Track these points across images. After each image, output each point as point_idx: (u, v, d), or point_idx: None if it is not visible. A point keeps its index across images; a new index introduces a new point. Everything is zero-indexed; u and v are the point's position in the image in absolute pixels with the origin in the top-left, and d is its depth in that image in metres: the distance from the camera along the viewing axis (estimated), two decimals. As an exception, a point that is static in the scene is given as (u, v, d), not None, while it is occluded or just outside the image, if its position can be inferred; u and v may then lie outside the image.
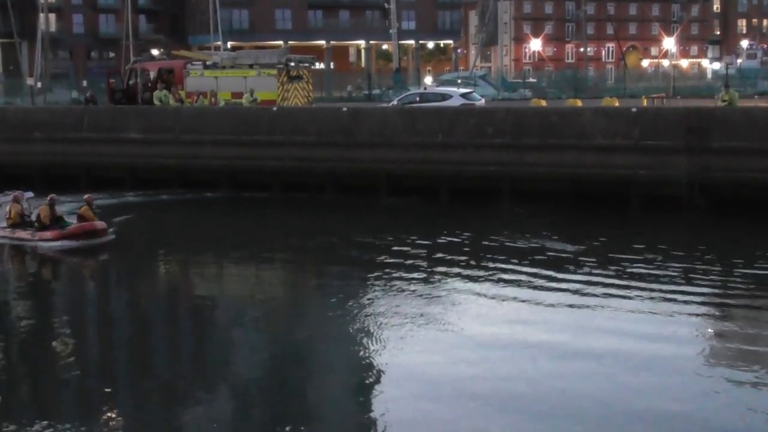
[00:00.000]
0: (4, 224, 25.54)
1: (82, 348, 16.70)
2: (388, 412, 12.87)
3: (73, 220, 25.02)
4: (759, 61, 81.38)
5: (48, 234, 24.40)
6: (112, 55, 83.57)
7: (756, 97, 48.65)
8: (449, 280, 20.28)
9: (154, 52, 63.20)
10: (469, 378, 14.01)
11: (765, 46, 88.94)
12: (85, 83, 63.02)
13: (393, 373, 14.47)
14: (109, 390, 14.42)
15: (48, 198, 25.16)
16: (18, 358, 16.20)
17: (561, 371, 14.21)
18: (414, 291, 19.31)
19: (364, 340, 16.24)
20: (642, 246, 22.89)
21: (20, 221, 25.27)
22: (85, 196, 25.06)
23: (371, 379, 14.34)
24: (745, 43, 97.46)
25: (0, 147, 37.01)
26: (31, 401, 13.88)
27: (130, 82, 42.64)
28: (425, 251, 23.25)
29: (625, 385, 13.59)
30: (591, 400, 13.09)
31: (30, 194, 26.87)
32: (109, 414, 13.20)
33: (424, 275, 20.73)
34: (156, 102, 38.29)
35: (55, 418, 12.82)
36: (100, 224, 24.44)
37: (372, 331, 16.71)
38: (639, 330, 16.27)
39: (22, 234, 25.00)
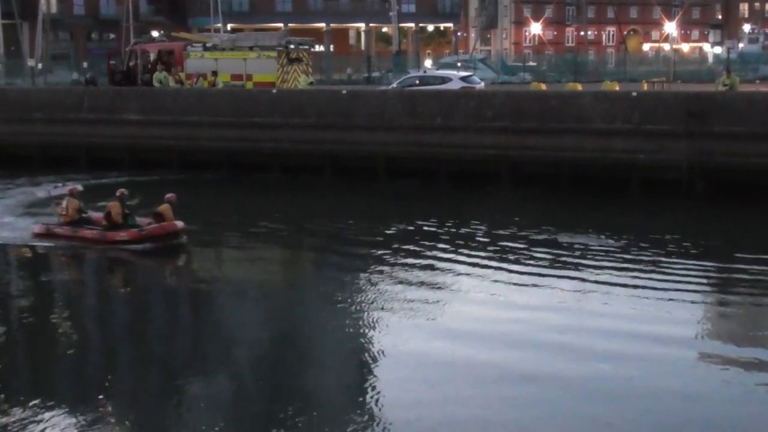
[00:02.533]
0: (56, 221, 22.96)
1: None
2: (387, 396, 12.89)
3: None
4: (761, 45, 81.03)
5: (122, 234, 21.76)
6: (112, 36, 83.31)
7: (757, 81, 48.70)
8: (447, 264, 20.24)
9: (154, 33, 63.05)
10: (467, 361, 14.04)
11: (767, 30, 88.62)
12: (85, 64, 62.97)
13: (392, 357, 14.47)
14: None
15: (117, 193, 22.43)
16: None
17: (561, 356, 14.21)
18: (412, 275, 19.27)
19: (362, 322, 16.30)
20: (641, 230, 22.94)
21: (78, 219, 22.71)
22: (168, 195, 22.10)
23: (369, 362, 14.39)
24: (747, 28, 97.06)
25: (1, 127, 37.04)
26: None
27: (130, 64, 42.57)
28: (424, 235, 23.25)
29: (628, 369, 13.51)
30: (592, 384, 13.10)
31: (80, 188, 23.91)
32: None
33: (423, 260, 20.61)
34: (156, 83, 38.25)
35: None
36: (180, 225, 21.88)
37: (370, 313, 16.76)
38: (637, 314, 16.30)
39: (87, 233, 22.27)
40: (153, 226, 21.71)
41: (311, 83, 38.48)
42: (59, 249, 22.22)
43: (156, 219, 21.89)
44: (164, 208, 21.86)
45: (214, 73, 38.07)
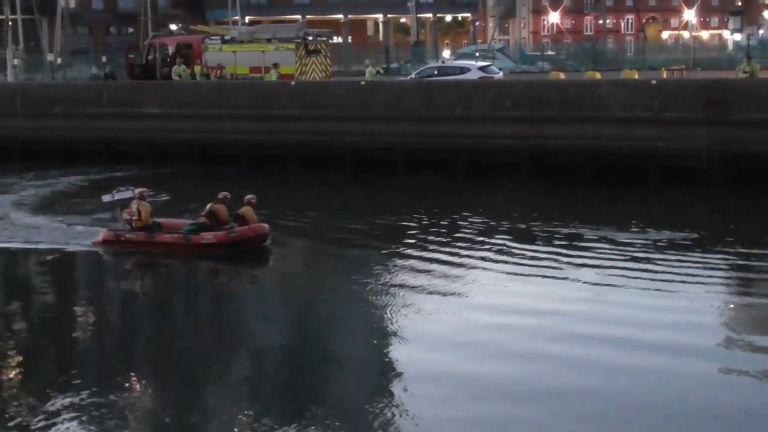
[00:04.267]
0: (121, 227, 21.53)
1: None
2: (401, 407, 12.51)
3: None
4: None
5: (209, 237, 20.37)
6: (131, 30, 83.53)
7: (777, 68, 48.23)
8: (466, 257, 20.14)
9: (172, 27, 63.22)
10: (485, 373, 13.70)
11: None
12: (104, 59, 63.17)
13: (409, 366, 14.08)
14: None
15: (220, 195, 20.97)
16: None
17: (582, 352, 14.08)
18: (432, 269, 19.13)
19: (380, 316, 16.37)
20: (661, 221, 22.80)
21: (152, 223, 21.34)
22: (248, 197, 20.87)
23: (386, 369, 14.31)
24: (767, 14, 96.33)
25: (21, 122, 37.34)
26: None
27: (149, 58, 42.75)
28: (443, 228, 23.20)
29: (654, 371, 13.12)
30: (611, 389, 12.70)
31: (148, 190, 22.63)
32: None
33: (443, 254, 20.45)
34: (175, 77, 38.39)
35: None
36: (267, 227, 20.98)
37: (389, 308, 16.78)
38: (658, 307, 16.18)
39: (167, 238, 20.82)
40: (242, 228, 20.41)
41: (378, 72, 38.44)
42: (133, 256, 20.97)
43: (238, 222, 20.56)
44: (246, 210, 20.63)
45: (221, 67, 38.39)
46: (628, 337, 14.52)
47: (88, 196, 27.30)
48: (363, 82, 35.50)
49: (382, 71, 37.23)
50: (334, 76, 44.48)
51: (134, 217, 21.11)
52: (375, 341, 15.24)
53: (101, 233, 21.59)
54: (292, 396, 12.76)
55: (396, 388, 12.98)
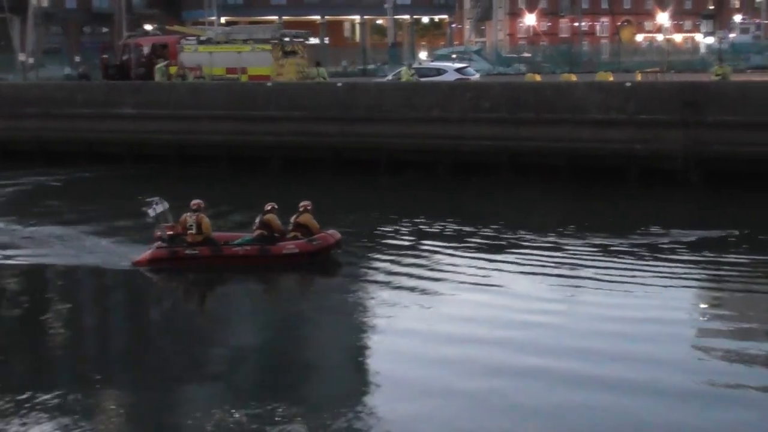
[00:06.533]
0: (161, 242, 19.56)
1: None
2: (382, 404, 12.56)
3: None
4: (752, 35, 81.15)
5: (291, 247, 19.27)
6: (105, 30, 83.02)
7: (749, 71, 48.71)
8: (446, 257, 20.20)
9: (148, 27, 62.91)
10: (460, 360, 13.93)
11: (758, 20, 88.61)
12: (78, 59, 62.76)
13: (387, 357, 14.29)
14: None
15: (268, 206, 19.75)
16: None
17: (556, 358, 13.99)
18: (411, 271, 19.11)
19: (359, 319, 16.45)
20: (638, 220, 23.01)
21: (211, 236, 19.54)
22: (304, 203, 19.73)
23: (363, 359, 14.46)
24: (738, 18, 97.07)
25: (-5, 123, 37.05)
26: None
27: (124, 58, 42.54)
28: (422, 229, 23.25)
29: (626, 377, 12.97)
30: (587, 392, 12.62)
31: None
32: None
33: (423, 256, 20.47)
34: (158, 75, 38.16)
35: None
36: (340, 235, 20.03)
37: (369, 310, 16.87)
38: (632, 306, 16.27)
39: (238, 250, 19.41)
40: (321, 235, 19.36)
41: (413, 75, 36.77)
42: (196, 274, 19.27)
43: (299, 230, 19.43)
44: (306, 217, 19.52)
45: (199, 67, 38.22)
46: (603, 350, 14.15)
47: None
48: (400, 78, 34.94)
49: (412, 74, 36.14)
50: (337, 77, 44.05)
51: (190, 231, 19.20)
52: (348, 352, 15.00)
53: (148, 251, 19.59)
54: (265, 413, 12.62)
55: (368, 403, 12.56)
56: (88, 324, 17.72)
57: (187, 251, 19.24)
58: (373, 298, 17.58)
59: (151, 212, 19.52)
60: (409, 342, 14.85)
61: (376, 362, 14.17)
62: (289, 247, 19.27)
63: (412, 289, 17.71)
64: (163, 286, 19.63)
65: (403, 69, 37.19)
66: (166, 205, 19.75)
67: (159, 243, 19.51)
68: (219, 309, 18.37)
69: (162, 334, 16.82)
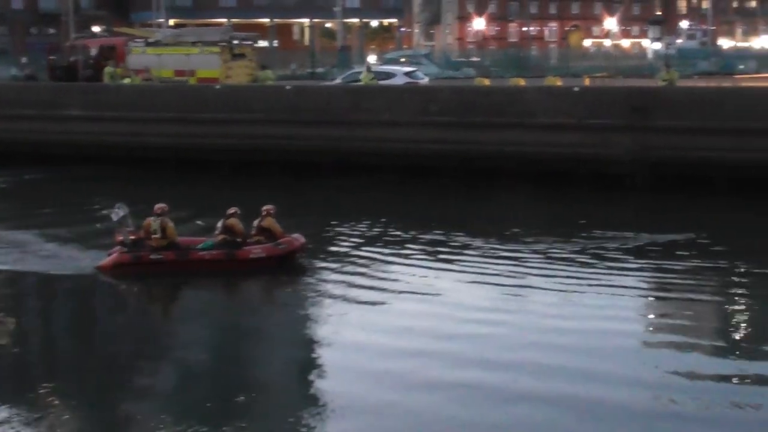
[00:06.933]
0: (123, 247, 19.15)
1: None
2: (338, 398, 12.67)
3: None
4: (698, 41, 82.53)
5: (257, 251, 19.06)
6: (52, 31, 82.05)
7: (695, 77, 49.48)
8: (392, 266, 19.95)
9: (96, 29, 62.22)
10: (415, 363, 13.91)
11: (704, 27, 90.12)
12: (24, 59, 61.85)
13: (341, 361, 14.28)
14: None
15: (230, 210, 19.34)
16: None
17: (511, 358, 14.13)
18: (361, 275, 19.03)
19: (312, 325, 16.34)
20: (585, 224, 23.15)
21: (175, 241, 19.27)
22: (267, 207, 19.49)
23: (319, 363, 14.35)
24: (685, 24, 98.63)
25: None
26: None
27: (72, 59, 42.06)
28: (373, 233, 23.14)
29: (568, 392, 12.73)
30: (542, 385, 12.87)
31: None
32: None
33: (372, 260, 20.35)
34: (107, 78, 37.72)
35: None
36: (304, 239, 19.93)
37: (321, 313, 16.82)
38: (577, 316, 16.15)
39: (204, 255, 19.10)
40: (286, 239, 19.19)
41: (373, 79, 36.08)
42: (161, 279, 18.91)
43: (263, 234, 19.22)
44: (270, 221, 19.27)
45: (147, 69, 37.92)
46: (545, 363, 13.84)
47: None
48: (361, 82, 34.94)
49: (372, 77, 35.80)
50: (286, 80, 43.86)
51: (155, 236, 18.90)
52: (289, 368, 14.65)
53: (110, 255, 19.16)
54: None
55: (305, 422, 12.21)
56: (41, 332, 17.27)
57: (152, 256, 18.94)
58: (324, 308, 17.27)
59: (114, 216, 19.22)
60: (351, 356, 14.55)
61: (316, 379, 13.81)
62: (256, 251, 19.04)
63: (360, 302, 17.36)
64: (126, 292, 19.16)
65: (363, 72, 37.00)
66: (127, 209, 19.37)
67: (120, 248, 19.15)
68: (178, 319, 18.00)
69: (118, 343, 16.19)
